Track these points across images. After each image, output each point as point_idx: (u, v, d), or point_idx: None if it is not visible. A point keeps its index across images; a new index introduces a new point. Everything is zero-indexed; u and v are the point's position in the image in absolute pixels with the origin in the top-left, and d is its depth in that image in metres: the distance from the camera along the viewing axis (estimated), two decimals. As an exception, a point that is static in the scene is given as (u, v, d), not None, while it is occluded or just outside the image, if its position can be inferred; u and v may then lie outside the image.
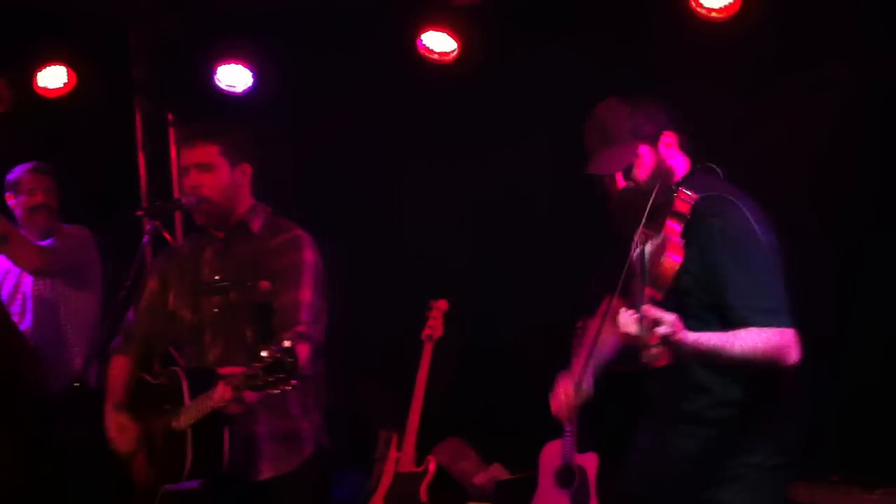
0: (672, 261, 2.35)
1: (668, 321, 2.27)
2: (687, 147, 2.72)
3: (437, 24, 4.68)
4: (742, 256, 2.49)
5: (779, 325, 2.45)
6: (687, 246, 2.41)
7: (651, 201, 2.52)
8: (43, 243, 3.99)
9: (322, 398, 3.10)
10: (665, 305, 2.32)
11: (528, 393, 4.91)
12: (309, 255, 3.01)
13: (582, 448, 4.37)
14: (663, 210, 2.49)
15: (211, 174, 2.99)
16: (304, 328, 2.86)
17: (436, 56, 4.77)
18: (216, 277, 3.03)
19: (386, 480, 4.61)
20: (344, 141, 5.14)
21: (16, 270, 4.01)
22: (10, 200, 4.15)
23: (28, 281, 4.02)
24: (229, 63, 5.03)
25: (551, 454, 4.42)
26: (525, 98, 4.90)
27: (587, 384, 2.70)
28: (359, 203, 5.21)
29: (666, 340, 2.26)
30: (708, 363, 2.47)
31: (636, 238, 2.55)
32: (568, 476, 4.36)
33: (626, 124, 2.64)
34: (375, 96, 5.00)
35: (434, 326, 4.78)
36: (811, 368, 2.55)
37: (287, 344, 2.49)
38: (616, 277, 2.57)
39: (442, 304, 4.84)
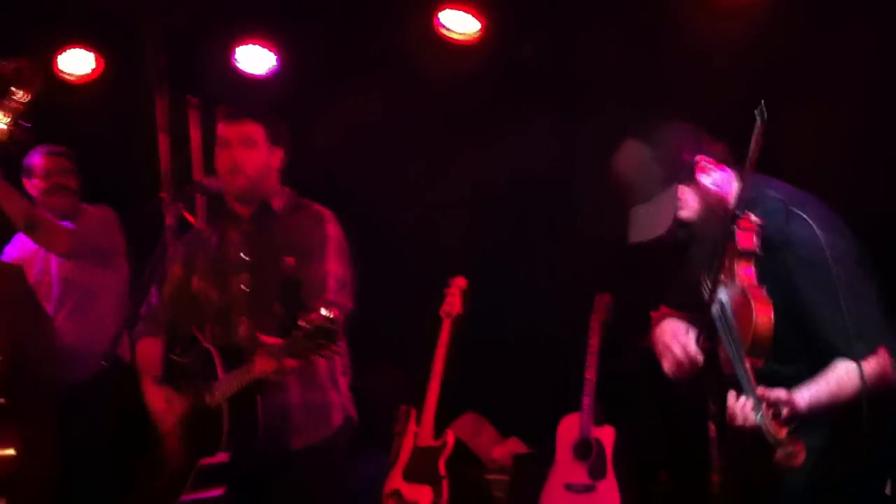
0: (765, 318, 2.13)
1: (784, 399, 2.08)
2: (725, 156, 2.48)
3: (459, 4, 4.70)
4: (821, 280, 2.28)
5: (870, 351, 2.24)
6: (763, 280, 2.20)
7: (714, 236, 2.28)
8: (63, 224, 4.04)
9: (348, 370, 3.17)
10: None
11: (545, 368, 5.02)
12: (332, 230, 3.10)
13: (599, 421, 4.43)
14: (728, 249, 2.23)
15: (253, 151, 3.07)
16: (332, 296, 2.94)
17: (458, 36, 4.79)
18: (242, 255, 3.10)
19: (405, 454, 4.68)
20: (364, 121, 5.18)
21: (42, 253, 4.06)
22: (27, 184, 4.19)
23: (55, 263, 4.07)
24: (249, 44, 5.08)
25: (568, 427, 4.48)
26: (547, 78, 4.92)
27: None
28: (379, 181, 5.26)
29: (789, 421, 2.06)
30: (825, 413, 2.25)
31: (708, 289, 2.27)
32: (585, 449, 4.42)
33: (656, 173, 2.41)
34: (396, 76, 5.03)
35: (452, 303, 4.84)
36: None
37: (325, 312, 2.53)
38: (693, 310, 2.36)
39: (460, 282, 4.90)
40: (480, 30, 4.74)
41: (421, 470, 4.60)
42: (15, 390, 3.50)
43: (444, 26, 4.73)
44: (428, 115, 5.18)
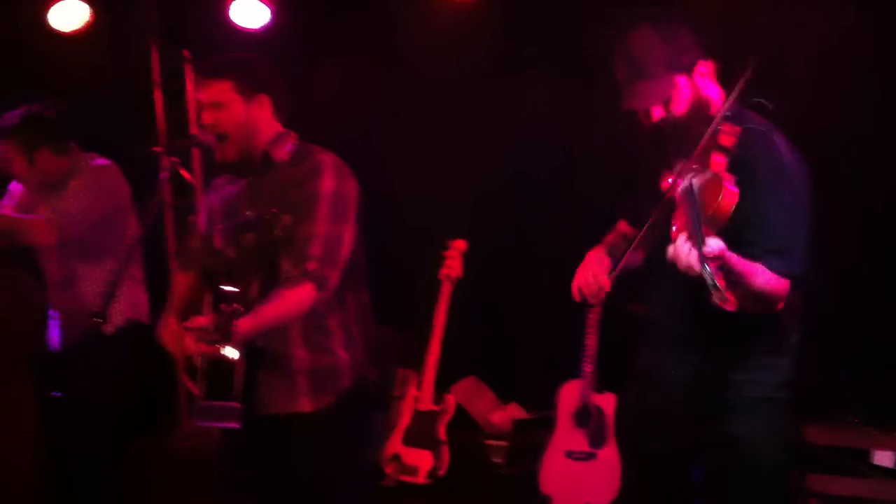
0: (729, 199, 2.30)
1: (722, 248, 2.24)
2: (720, 75, 2.63)
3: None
4: (776, 192, 2.46)
5: (788, 271, 2.45)
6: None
7: (694, 134, 2.45)
8: (37, 217, 3.70)
9: (367, 329, 3.06)
10: None
11: (545, 333, 4.96)
12: (328, 183, 2.91)
13: (599, 388, 4.38)
14: (706, 144, 2.42)
15: (225, 111, 2.91)
16: (313, 264, 2.81)
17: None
18: (249, 213, 3.00)
19: (405, 418, 4.64)
20: (363, 77, 5.08)
21: (43, 212, 3.88)
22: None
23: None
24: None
25: (569, 394, 4.43)
26: (550, 38, 4.83)
27: (614, 274, 2.66)
28: (377, 141, 5.17)
29: (722, 266, 2.23)
30: (729, 283, 2.41)
31: (678, 171, 2.47)
32: (585, 415, 4.38)
33: (660, 55, 2.54)
34: (396, 32, 4.94)
35: (452, 266, 4.77)
36: (832, 309, 2.54)
37: (229, 309, 2.53)
38: (649, 210, 2.51)
39: (460, 244, 4.83)
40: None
41: (421, 434, 4.57)
42: None
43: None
44: (426, 74, 5.08)
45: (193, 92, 5.20)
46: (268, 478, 3.02)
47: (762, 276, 2.41)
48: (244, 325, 2.61)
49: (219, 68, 2.95)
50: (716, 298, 2.19)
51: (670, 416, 2.70)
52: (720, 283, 2.17)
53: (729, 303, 2.19)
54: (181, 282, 3.12)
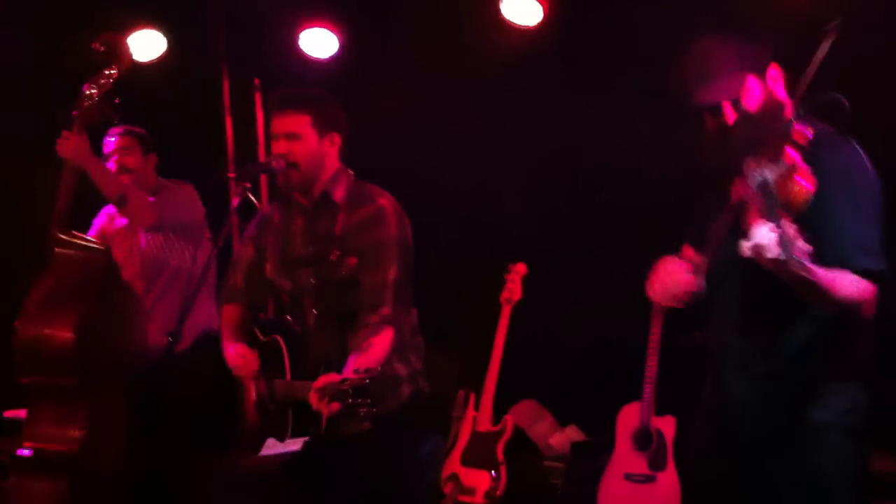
0: (804, 186, 2.23)
1: (802, 247, 2.18)
2: (793, 86, 2.57)
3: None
4: (851, 194, 2.44)
5: (869, 273, 2.39)
6: None
7: (765, 133, 2.39)
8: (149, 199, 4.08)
9: (419, 345, 3.18)
10: None
11: (605, 355, 4.98)
12: (393, 230, 3.04)
13: (660, 411, 4.39)
14: (779, 140, 2.35)
15: (300, 143, 3.04)
16: (387, 310, 2.95)
17: (518, 21, 4.78)
18: (308, 250, 3.12)
19: (463, 439, 4.69)
20: (425, 105, 5.18)
21: (129, 231, 4.09)
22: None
23: (142, 240, 4.10)
24: (314, 27, 5.10)
25: (628, 416, 4.44)
26: (604, 58, 4.88)
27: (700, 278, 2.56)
28: (439, 166, 5.26)
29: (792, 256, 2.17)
30: (797, 286, 2.35)
31: (749, 168, 2.37)
32: (645, 438, 4.38)
33: (732, 55, 2.55)
34: (458, 59, 5.02)
35: (512, 289, 4.83)
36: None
37: (377, 369, 2.68)
38: (719, 211, 2.49)
39: (520, 268, 4.88)
40: (542, 14, 4.73)
41: (479, 455, 4.61)
42: (87, 371, 3.54)
43: (506, 14, 4.72)
44: (490, 98, 5.16)
45: (263, 119, 5.34)
46: (329, 497, 3.11)
47: (825, 275, 2.33)
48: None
49: (299, 101, 3.08)
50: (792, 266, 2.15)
51: (736, 442, 2.65)
52: (799, 255, 2.13)
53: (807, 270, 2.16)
54: (229, 312, 3.25)
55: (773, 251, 2.17)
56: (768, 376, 2.58)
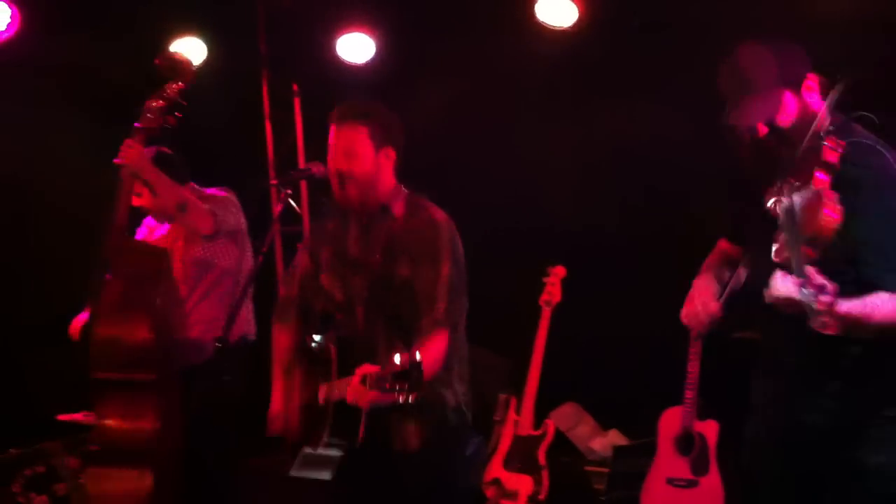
0: (831, 218, 2.24)
1: (831, 290, 2.17)
2: (824, 88, 2.58)
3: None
4: (887, 209, 2.40)
5: None
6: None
7: (798, 150, 2.41)
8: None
9: (465, 370, 3.17)
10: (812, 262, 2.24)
11: (646, 359, 4.94)
12: (447, 237, 3.09)
13: (702, 415, 4.35)
14: (810, 160, 2.36)
15: (356, 156, 3.05)
16: (441, 312, 2.97)
17: (553, 22, 4.77)
18: (362, 255, 3.13)
19: (505, 443, 4.68)
20: (460, 108, 5.18)
21: (169, 239, 4.12)
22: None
23: (181, 247, 4.10)
24: (351, 32, 5.12)
25: (671, 420, 4.40)
26: (643, 62, 4.85)
27: (723, 300, 2.64)
28: (477, 169, 5.26)
29: (828, 310, 2.16)
30: (849, 332, 2.34)
31: (780, 189, 2.39)
32: (688, 443, 4.34)
33: (768, 70, 2.51)
34: (493, 62, 5.02)
35: (552, 292, 4.81)
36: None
37: (418, 357, 2.60)
38: (750, 227, 2.49)
39: (560, 271, 4.86)
40: (577, 15, 4.72)
41: (521, 459, 4.60)
42: (163, 367, 3.64)
43: (540, 16, 4.72)
44: (527, 101, 5.15)
45: (301, 124, 5.37)
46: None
47: (881, 310, 2.31)
48: (428, 374, 2.70)
49: (357, 114, 3.08)
50: (816, 325, 2.15)
51: (789, 446, 2.61)
52: (820, 307, 2.13)
53: (829, 327, 2.15)
54: (281, 341, 3.26)
55: (793, 294, 2.20)
56: (824, 380, 2.52)
